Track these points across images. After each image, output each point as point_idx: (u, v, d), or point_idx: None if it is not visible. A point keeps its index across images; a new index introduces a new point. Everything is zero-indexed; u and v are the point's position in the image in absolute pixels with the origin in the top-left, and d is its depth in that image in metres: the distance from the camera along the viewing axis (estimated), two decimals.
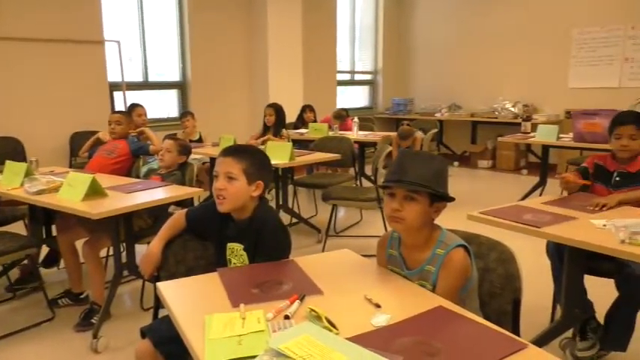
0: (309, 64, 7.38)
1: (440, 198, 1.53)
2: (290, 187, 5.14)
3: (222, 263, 1.81)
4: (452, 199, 1.56)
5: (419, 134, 5.71)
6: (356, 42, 8.73)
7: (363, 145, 5.65)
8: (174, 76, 6.60)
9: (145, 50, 6.24)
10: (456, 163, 8.18)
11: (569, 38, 6.98)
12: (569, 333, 2.56)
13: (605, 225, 2.05)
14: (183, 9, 6.44)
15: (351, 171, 5.50)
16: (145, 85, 6.32)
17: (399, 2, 9.00)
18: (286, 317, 1.31)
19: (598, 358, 2.42)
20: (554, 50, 7.12)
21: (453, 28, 8.32)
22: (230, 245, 1.80)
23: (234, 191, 1.72)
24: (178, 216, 1.90)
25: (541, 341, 2.35)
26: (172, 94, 6.66)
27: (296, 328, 1.21)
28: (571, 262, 2.25)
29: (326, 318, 1.26)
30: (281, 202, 4.39)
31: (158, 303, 1.81)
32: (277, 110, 5.15)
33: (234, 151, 1.79)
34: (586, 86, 6.86)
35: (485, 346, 1.17)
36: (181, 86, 6.65)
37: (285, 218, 4.80)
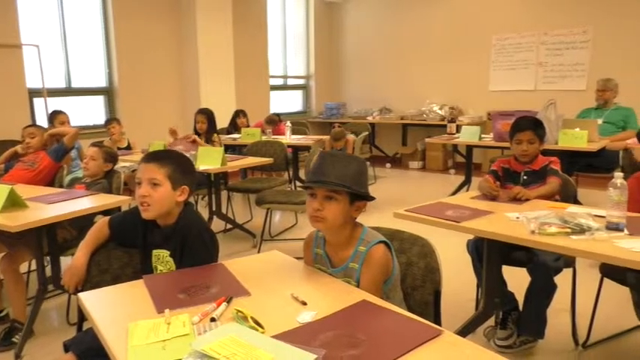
0: (241, 69, 7.35)
1: (360, 197, 1.59)
2: (224, 193, 5.11)
3: (149, 271, 1.78)
4: (372, 199, 1.62)
5: (351, 137, 5.83)
6: (288, 47, 8.79)
7: (296, 149, 5.70)
8: (100, 82, 6.37)
9: (67, 55, 5.99)
10: (388, 165, 8.40)
11: (489, 44, 7.37)
12: (493, 322, 2.72)
13: (518, 217, 2.20)
14: (108, 12, 6.24)
15: (286, 175, 5.53)
16: (68, 91, 6.06)
17: (329, 8, 9.15)
18: (212, 320, 1.31)
19: (521, 344, 2.56)
20: (476, 56, 7.49)
21: (383, 34, 8.56)
22: (156, 252, 1.77)
23: (159, 197, 1.70)
24: (101, 225, 1.85)
25: (465, 330, 2.48)
26: (98, 101, 6.42)
27: (221, 329, 1.22)
28: (489, 254, 2.39)
29: (252, 318, 1.28)
30: (214, 208, 4.35)
31: (82, 315, 1.75)
32: (208, 116, 5.09)
33: (157, 157, 1.76)
34: (505, 89, 7.27)
35: (404, 335, 1.23)
36: (108, 92, 6.43)
37: (219, 224, 4.80)
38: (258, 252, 4.19)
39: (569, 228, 1.97)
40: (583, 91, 6.38)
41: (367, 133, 6.47)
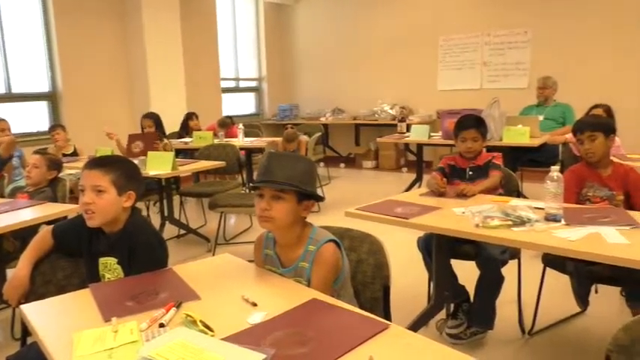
0: (192, 72, 7.25)
1: (308, 196, 1.61)
2: (177, 198, 5.03)
3: (96, 279, 1.74)
4: (320, 198, 1.64)
5: (304, 138, 5.85)
6: (239, 49, 8.73)
7: (250, 151, 5.68)
8: (43, 87, 6.14)
9: (6, 58, 5.74)
10: (342, 165, 8.48)
11: (436, 45, 7.56)
12: (445, 315, 2.80)
13: (464, 212, 2.27)
14: (48, 11, 6.01)
15: (239, 178, 5.49)
16: (8, 96, 5.81)
17: (279, 10, 9.15)
18: (161, 325, 1.30)
19: (471, 336, 2.65)
20: (424, 56, 7.67)
21: (334, 35, 8.64)
22: (103, 260, 1.73)
23: (104, 204, 1.66)
24: (43, 234, 1.79)
25: (418, 323, 2.56)
26: (42, 106, 6.18)
27: (169, 334, 1.21)
28: (438, 248, 2.46)
29: (201, 321, 1.27)
30: (166, 214, 4.27)
31: (26, 329, 1.69)
32: (155, 120, 5.00)
33: (101, 163, 1.72)
34: (453, 88, 7.48)
35: (352, 330, 1.26)
36: (51, 97, 6.20)
37: (172, 230, 4.72)
38: (213, 256, 4.15)
39: (510, 220, 2.05)
40: (525, 89, 6.64)
41: (320, 134, 6.51)
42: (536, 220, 2.04)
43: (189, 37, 7.24)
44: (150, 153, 3.96)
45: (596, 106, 4.23)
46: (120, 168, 1.72)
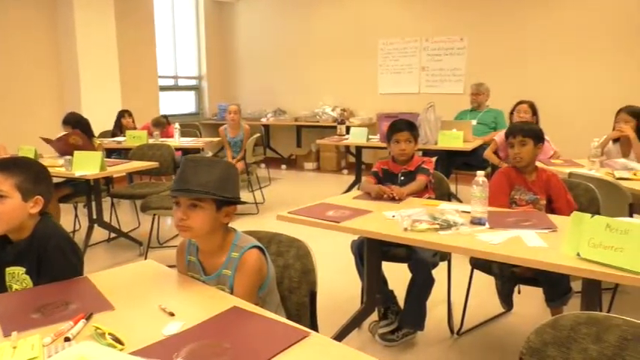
0: (127, 68, 6.98)
1: (228, 202, 1.56)
2: (108, 200, 4.82)
3: (2, 291, 1.61)
4: (241, 203, 1.60)
5: (247, 126, 5.82)
6: (178, 47, 8.50)
7: (186, 151, 5.53)
8: None
9: None
10: (283, 166, 8.44)
11: (376, 48, 7.66)
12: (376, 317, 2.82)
13: (394, 216, 2.29)
14: None
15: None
16: None
17: (220, 8, 9.00)
18: (67, 339, 1.22)
19: (403, 337, 2.68)
20: (365, 59, 7.75)
21: (276, 36, 8.58)
22: (9, 270, 1.61)
23: (7, 211, 1.54)
24: None
25: (350, 326, 2.56)
26: None
27: (72, 349, 1.14)
28: (369, 252, 2.47)
29: (110, 334, 1.20)
30: (95, 216, 4.08)
31: None
32: (74, 124, 4.69)
33: (2, 166, 1.59)
34: (393, 92, 7.61)
35: (271, 339, 1.22)
36: None
37: (102, 233, 4.51)
38: (145, 260, 4.00)
39: (437, 224, 2.08)
40: (460, 94, 6.85)
41: (259, 135, 6.42)
42: (462, 223, 2.08)
43: (125, 33, 6.96)
44: (76, 153, 3.76)
45: (521, 102, 4.47)
46: (25, 172, 1.60)
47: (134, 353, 1.14)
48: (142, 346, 1.19)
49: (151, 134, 5.53)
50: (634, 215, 2.89)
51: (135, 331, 1.27)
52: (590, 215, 1.72)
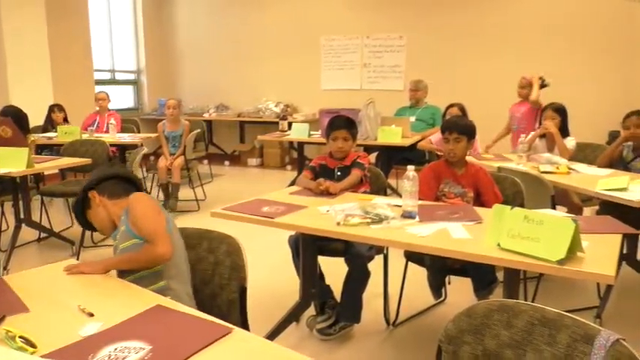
0: (59, 61, 6.67)
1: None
2: (38, 198, 4.60)
3: None
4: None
5: (186, 122, 5.71)
6: (114, 39, 8.20)
7: (123, 148, 5.36)
8: None
9: None
10: (226, 163, 8.34)
11: (318, 44, 7.69)
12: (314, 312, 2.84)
13: (328, 210, 2.31)
14: None
15: None
16: None
17: (159, 0, 8.75)
18: None
19: (340, 330, 2.71)
20: (308, 55, 7.76)
21: (218, 30, 8.43)
22: None
23: None
24: None
25: (286, 320, 2.57)
26: None
27: None
28: (304, 246, 2.48)
29: (20, 337, 1.15)
30: (23, 215, 3.88)
31: None
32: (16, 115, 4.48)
33: None
34: (335, 88, 7.65)
35: (193, 337, 1.21)
36: None
37: (32, 233, 4.30)
38: (77, 260, 3.85)
39: (369, 218, 2.12)
40: (400, 91, 6.98)
41: (199, 130, 6.30)
42: (392, 217, 2.13)
43: (56, 24, 6.64)
44: (0, 148, 3.57)
45: (452, 105, 4.73)
46: None
47: (47, 356, 1.10)
48: (55, 347, 1.15)
49: (85, 129, 5.32)
50: (557, 207, 3.06)
51: (50, 333, 1.22)
52: (510, 207, 1.81)
